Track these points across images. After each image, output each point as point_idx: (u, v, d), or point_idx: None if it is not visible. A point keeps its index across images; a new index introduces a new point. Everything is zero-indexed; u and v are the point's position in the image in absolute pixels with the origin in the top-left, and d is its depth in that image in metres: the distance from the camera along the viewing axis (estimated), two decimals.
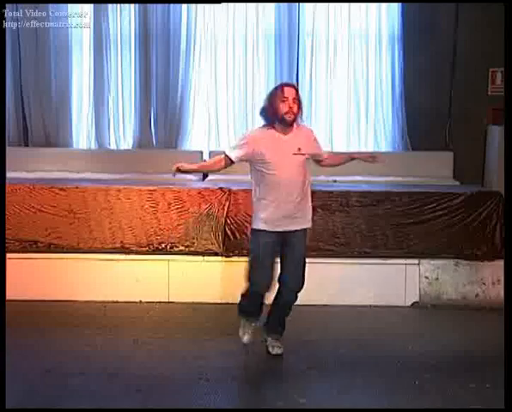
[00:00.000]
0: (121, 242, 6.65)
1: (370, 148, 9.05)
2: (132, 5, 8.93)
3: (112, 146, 9.20)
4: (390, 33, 8.89)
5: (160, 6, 8.87)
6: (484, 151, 8.69)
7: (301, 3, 8.86)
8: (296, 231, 5.12)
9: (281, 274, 5.16)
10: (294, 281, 5.16)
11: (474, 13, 8.69)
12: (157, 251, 6.63)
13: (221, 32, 8.99)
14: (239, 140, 5.26)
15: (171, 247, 6.63)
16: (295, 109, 4.98)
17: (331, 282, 6.55)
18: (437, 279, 6.59)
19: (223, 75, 9.06)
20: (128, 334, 5.72)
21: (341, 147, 9.06)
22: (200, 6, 8.93)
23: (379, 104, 8.99)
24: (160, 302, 6.55)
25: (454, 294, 6.59)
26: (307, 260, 6.48)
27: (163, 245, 6.62)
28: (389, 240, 6.62)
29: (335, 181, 7.98)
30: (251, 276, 5.14)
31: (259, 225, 5.08)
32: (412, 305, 6.59)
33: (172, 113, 9.06)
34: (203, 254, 6.62)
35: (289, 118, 4.98)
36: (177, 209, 6.61)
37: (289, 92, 5.01)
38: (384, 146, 9.04)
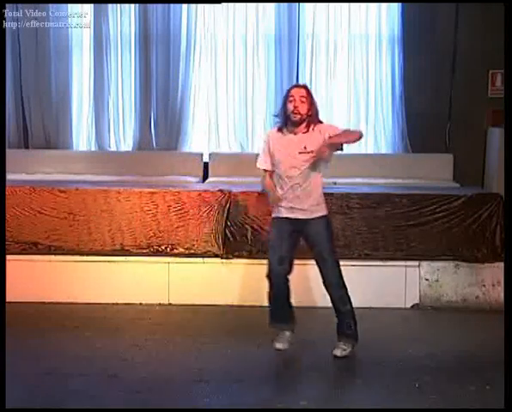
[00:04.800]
0: (121, 244, 6.65)
1: (370, 150, 9.07)
2: (132, 6, 8.95)
3: (112, 148, 9.21)
4: (390, 35, 8.90)
5: (160, 7, 8.87)
6: (484, 153, 8.70)
7: (301, 4, 8.87)
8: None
9: None
10: None
11: (474, 14, 8.70)
12: (157, 253, 6.63)
13: (221, 33, 9.01)
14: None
15: (171, 249, 6.62)
16: (300, 108, 5.07)
17: None
18: (437, 281, 6.58)
19: (223, 76, 9.07)
20: (128, 336, 5.72)
21: None
22: (200, 7, 8.93)
23: (379, 105, 9.00)
24: (160, 304, 6.55)
25: (454, 296, 6.59)
26: (308, 262, 6.53)
27: (163, 248, 6.62)
28: (389, 242, 6.61)
29: (335, 183, 7.97)
30: None
31: None
32: (412, 307, 6.58)
33: (172, 115, 9.06)
34: (203, 256, 6.62)
35: (294, 117, 5.09)
36: (177, 211, 6.60)
37: (296, 92, 5.14)
38: (384, 148, 9.05)
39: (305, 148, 5.11)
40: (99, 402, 4.44)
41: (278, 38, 8.92)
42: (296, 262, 6.32)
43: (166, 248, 6.62)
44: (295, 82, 8.91)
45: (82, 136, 9.27)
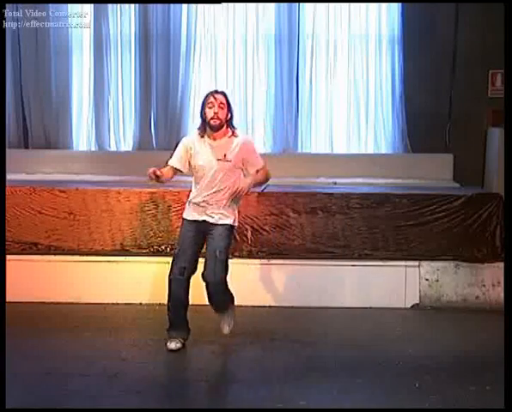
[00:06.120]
0: (121, 244, 6.65)
1: (370, 150, 9.06)
2: (132, 6, 8.94)
3: (112, 148, 9.20)
4: (390, 35, 8.89)
5: (160, 7, 8.87)
6: (484, 153, 8.70)
7: (301, 4, 8.87)
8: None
9: None
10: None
11: (474, 14, 8.70)
12: (157, 253, 6.63)
13: (221, 33, 8.99)
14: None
15: (171, 249, 6.61)
16: (220, 114, 5.22)
17: (331, 284, 6.55)
18: (437, 281, 6.59)
19: (223, 76, 9.05)
20: (128, 336, 5.72)
21: (341, 148, 9.06)
22: (200, 7, 8.93)
23: (379, 105, 8.98)
24: (160, 304, 6.53)
25: (454, 296, 6.59)
26: (308, 262, 6.54)
27: (163, 247, 6.62)
28: (389, 242, 6.61)
29: (335, 183, 7.98)
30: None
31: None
32: (412, 307, 6.58)
33: (172, 115, 9.06)
34: (203, 256, 6.60)
35: (213, 122, 5.24)
36: (177, 211, 6.60)
37: (216, 98, 5.28)
38: (384, 148, 9.04)
39: (225, 156, 5.26)
40: (99, 402, 4.43)
41: (278, 38, 8.91)
42: (295, 262, 6.35)
43: (166, 248, 6.62)
44: (294, 83, 8.94)
45: (82, 136, 9.26)
